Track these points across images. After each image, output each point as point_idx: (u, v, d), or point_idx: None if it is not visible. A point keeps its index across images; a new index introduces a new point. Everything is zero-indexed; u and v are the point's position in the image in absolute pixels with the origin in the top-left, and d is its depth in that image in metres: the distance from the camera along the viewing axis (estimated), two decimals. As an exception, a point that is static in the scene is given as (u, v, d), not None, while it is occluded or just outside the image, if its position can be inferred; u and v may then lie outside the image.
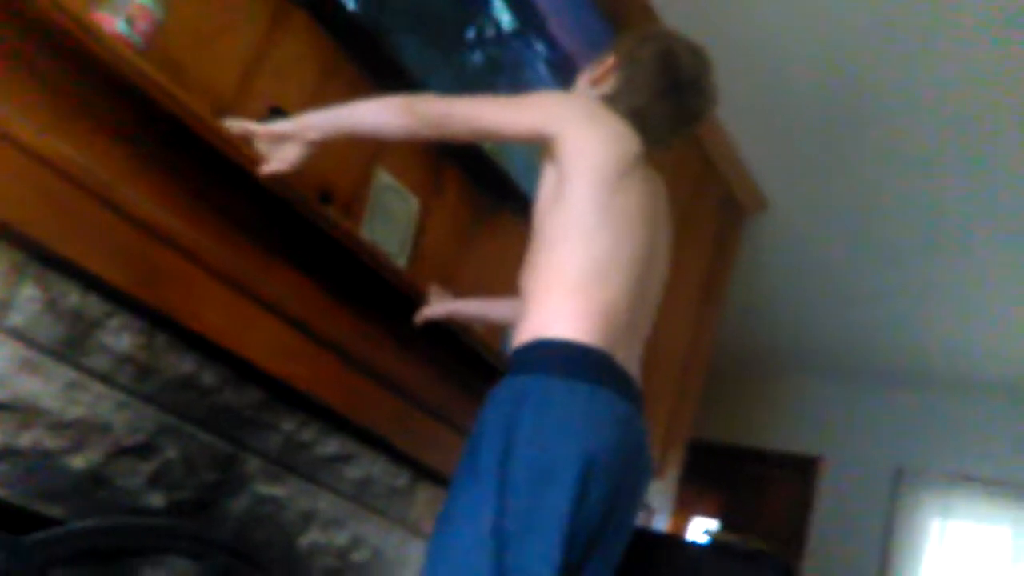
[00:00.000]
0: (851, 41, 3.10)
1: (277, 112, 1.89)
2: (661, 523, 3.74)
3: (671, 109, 1.78)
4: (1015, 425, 4.98)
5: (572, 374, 1.47)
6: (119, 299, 1.69)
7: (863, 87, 3.30)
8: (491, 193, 2.63)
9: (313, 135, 1.71)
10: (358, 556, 2.26)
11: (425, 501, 2.45)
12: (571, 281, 1.55)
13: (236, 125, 1.72)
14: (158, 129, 1.65)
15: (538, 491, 1.39)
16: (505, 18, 2.54)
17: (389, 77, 2.19)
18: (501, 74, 2.54)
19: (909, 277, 4.40)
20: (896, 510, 5.13)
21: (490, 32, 2.49)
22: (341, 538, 2.21)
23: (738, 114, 3.58)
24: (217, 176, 1.77)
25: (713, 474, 5.40)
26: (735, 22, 3.15)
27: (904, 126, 3.43)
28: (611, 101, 1.77)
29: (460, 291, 2.33)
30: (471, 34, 2.43)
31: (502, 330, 2.53)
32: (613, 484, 1.46)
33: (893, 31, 3.00)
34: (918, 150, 3.53)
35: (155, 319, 1.76)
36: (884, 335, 5.00)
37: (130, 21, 1.57)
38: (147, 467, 1.78)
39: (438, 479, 2.46)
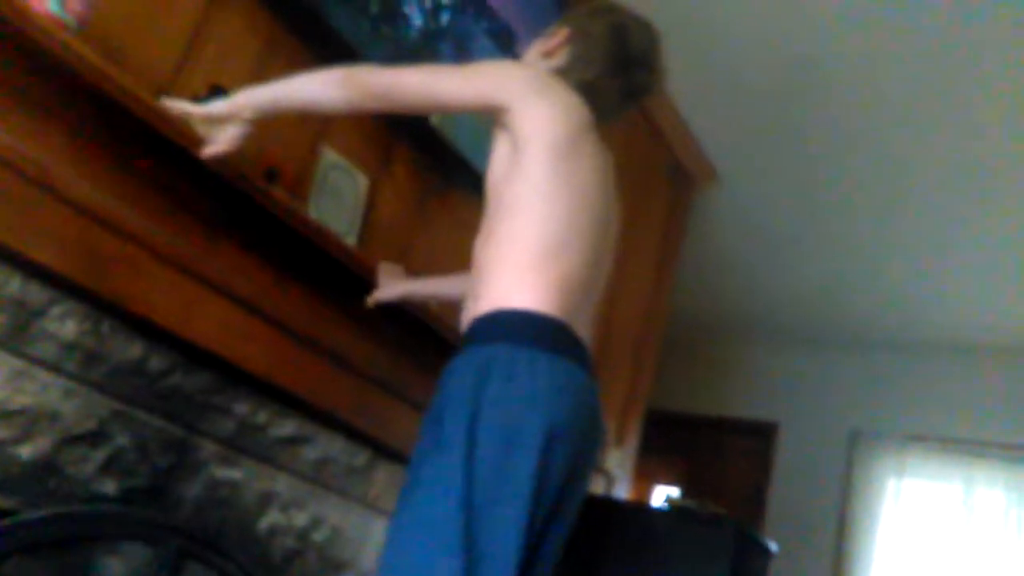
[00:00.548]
0: (798, 12, 3.12)
1: (217, 90, 1.86)
2: (622, 492, 3.78)
3: (621, 84, 1.80)
4: (965, 385, 5.09)
5: (534, 343, 1.48)
6: (62, 285, 1.67)
7: (810, 57, 3.32)
8: (441, 168, 2.62)
9: (250, 113, 1.69)
10: (318, 536, 2.25)
11: (384, 479, 2.45)
12: (530, 251, 1.56)
13: (174, 106, 1.70)
14: (96, 112, 1.63)
15: (504, 459, 1.40)
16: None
17: (330, 51, 2.16)
18: (442, 45, 2.52)
19: (857, 242, 4.47)
20: (852, 471, 5.23)
21: (427, 3, 2.47)
22: (300, 519, 2.20)
23: (686, 86, 3.59)
24: (159, 157, 1.74)
25: (673, 443, 5.46)
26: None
27: (850, 94, 3.47)
28: (562, 73, 1.77)
29: (413, 267, 2.33)
30: (408, 7, 2.41)
31: (456, 307, 2.53)
32: (573, 451, 1.48)
33: (841, 8, 3.03)
34: (864, 117, 3.57)
35: (100, 305, 1.74)
36: (835, 300, 5.07)
37: (63, 1, 1.54)
38: (98, 454, 1.76)
39: (397, 457, 2.46)
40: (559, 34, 1.83)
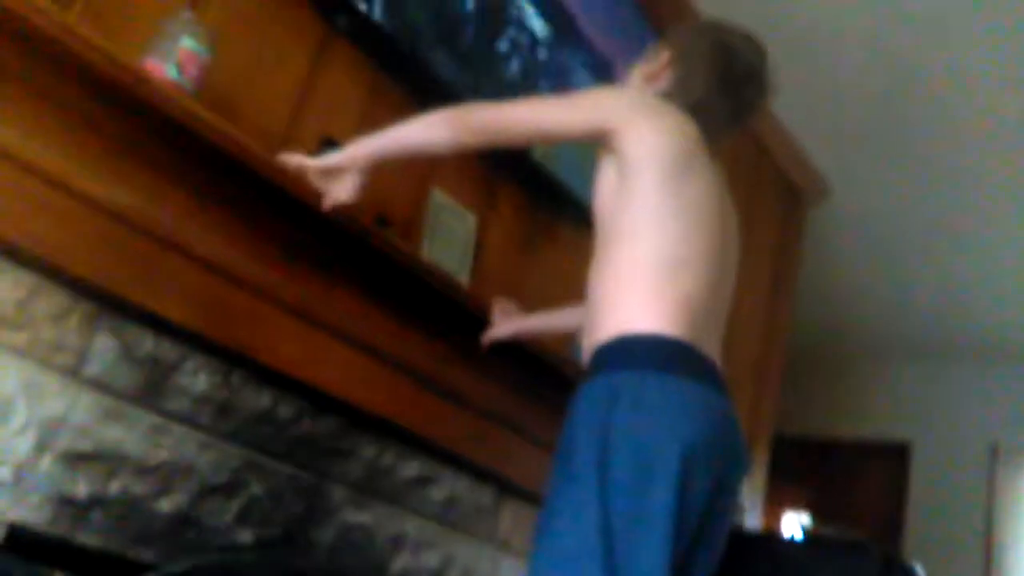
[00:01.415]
0: (899, 23, 3.04)
1: (329, 143, 1.90)
2: (753, 520, 3.67)
3: (730, 103, 1.75)
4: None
5: (662, 368, 1.44)
6: (192, 341, 1.72)
7: (915, 68, 3.23)
8: (546, 203, 2.63)
9: (364, 163, 1.71)
10: (450, 577, 2.25)
11: (511, 517, 2.44)
12: (648, 274, 1.52)
13: (290, 160, 1.74)
14: (216, 170, 1.68)
15: (640, 488, 1.36)
16: (537, 25, 2.53)
17: (432, 96, 2.19)
18: (541, 82, 2.52)
19: (982, 247, 4.27)
20: (995, 488, 4.97)
21: (523, 40, 2.48)
22: (432, 560, 2.20)
23: (792, 102, 3.51)
24: (277, 210, 1.79)
25: (801, 468, 5.29)
26: (778, 10, 3.10)
27: (959, 104, 3.35)
28: (668, 97, 1.73)
29: (523, 302, 2.32)
30: (505, 45, 2.42)
31: (569, 339, 2.52)
32: (713, 475, 1.43)
33: (942, 12, 2.93)
34: (974, 127, 3.44)
35: (229, 357, 1.78)
36: (962, 310, 4.86)
37: (179, 66, 1.60)
38: (234, 504, 1.80)
39: (522, 494, 2.44)
40: (661, 57, 1.79)
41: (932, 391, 5.32)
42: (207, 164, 1.67)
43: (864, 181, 4.00)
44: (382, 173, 1.77)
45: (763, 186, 3.75)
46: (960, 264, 4.46)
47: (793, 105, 3.56)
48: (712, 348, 1.57)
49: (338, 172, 1.73)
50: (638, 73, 1.83)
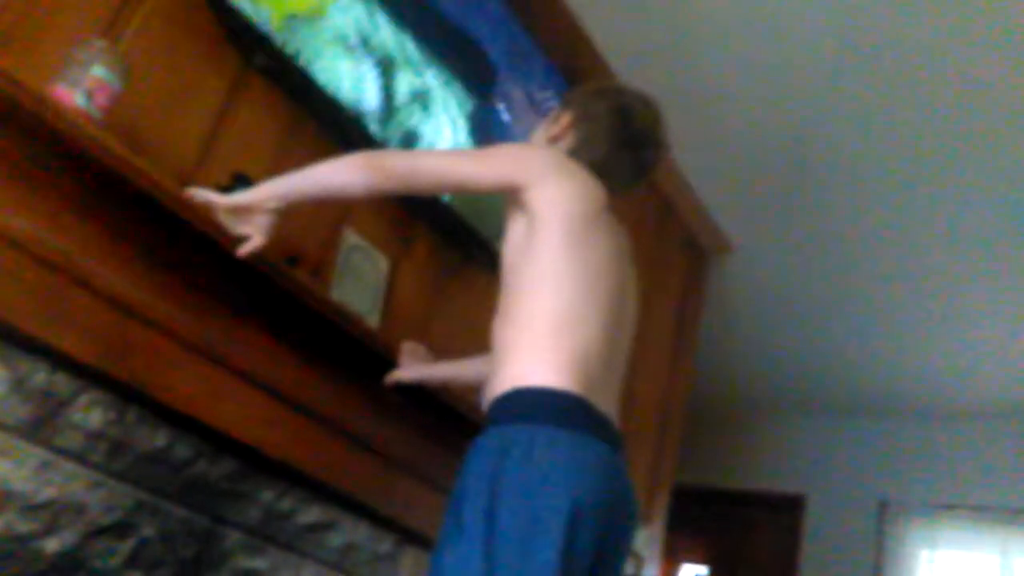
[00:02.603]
0: (799, 85, 3.16)
1: (241, 179, 1.88)
2: (651, 572, 3.70)
3: (629, 162, 1.83)
4: (995, 451, 5.00)
5: (554, 422, 1.46)
6: (88, 375, 1.67)
7: (816, 128, 3.35)
8: (460, 247, 2.64)
9: (275, 204, 1.70)
10: (346, 625, 2.20)
11: (411, 565, 2.41)
12: (545, 329, 1.55)
13: (199, 195, 1.71)
14: (123, 202, 1.64)
15: (526, 543, 1.36)
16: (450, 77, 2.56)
17: (349, 135, 2.20)
18: (456, 133, 2.55)
19: (880, 309, 4.43)
20: (883, 543, 5.11)
21: (438, 91, 2.51)
22: (327, 608, 2.16)
23: (695, 159, 3.63)
24: (184, 246, 1.75)
25: (699, 519, 5.36)
26: (686, 71, 3.20)
27: (859, 168, 3.49)
28: (571, 155, 1.79)
29: (433, 346, 2.32)
30: (418, 94, 2.44)
31: (478, 389, 2.52)
32: (601, 530, 1.44)
33: (837, 72, 3.07)
34: (878, 185, 3.59)
35: (126, 394, 1.73)
36: (859, 369, 5.02)
37: (89, 95, 1.57)
38: (124, 546, 1.74)
39: (423, 542, 2.41)
40: (563, 119, 1.86)
41: (827, 446, 5.47)
42: (112, 195, 1.63)
43: (766, 239, 4.12)
44: (295, 210, 1.76)
45: (668, 241, 3.83)
46: (856, 322, 4.61)
47: (699, 164, 3.68)
48: (608, 403, 1.60)
49: (248, 211, 1.71)
50: (542, 133, 1.90)
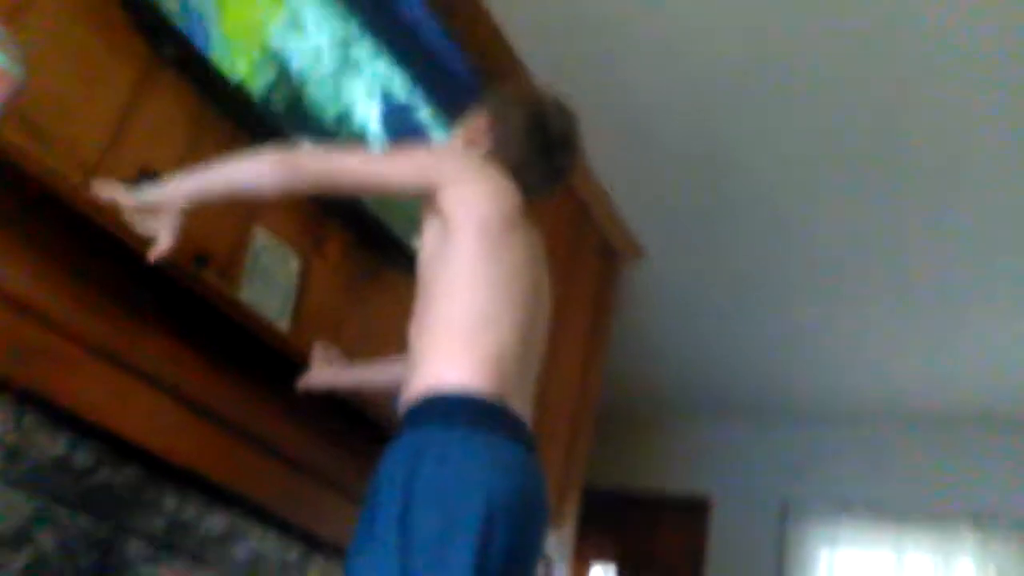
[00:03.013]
0: (713, 96, 3.22)
1: (148, 174, 1.82)
2: (560, 573, 3.71)
3: (544, 167, 1.84)
4: (889, 453, 5.17)
5: (467, 424, 1.45)
6: (-19, 379, 1.58)
7: (728, 137, 3.42)
8: (374, 249, 2.60)
9: (183, 202, 1.64)
10: (252, 636, 2.15)
11: (319, 574, 2.36)
12: (459, 331, 1.55)
13: (104, 191, 1.65)
14: (23, 198, 1.57)
15: (441, 546, 1.35)
16: (376, 72, 2.52)
17: (260, 130, 2.14)
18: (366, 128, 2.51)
19: (783, 318, 4.55)
20: (785, 544, 5.23)
21: (360, 86, 2.47)
22: (233, 618, 2.09)
23: (610, 166, 3.67)
24: (87, 245, 1.68)
25: (607, 520, 5.40)
26: (603, 77, 3.23)
27: (773, 171, 3.56)
28: (488, 159, 1.79)
29: (346, 348, 2.28)
30: (340, 90, 2.40)
31: (388, 393, 2.49)
32: (515, 531, 1.44)
33: (749, 84, 3.14)
34: (787, 195, 3.67)
35: (22, 397, 1.65)
36: (762, 374, 5.14)
37: (-15, 83, 1.49)
38: (20, 558, 1.66)
39: (332, 551, 2.37)
40: (479, 121, 1.86)
41: (731, 448, 5.58)
42: (12, 191, 1.55)
43: (679, 247, 4.18)
44: (203, 208, 1.70)
45: (582, 245, 3.85)
46: (759, 331, 4.72)
47: (614, 171, 3.71)
48: (521, 404, 1.60)
49: (155, 210, 1.64)
50: (459, 136, 1.89)
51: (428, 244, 1.68)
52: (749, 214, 3.85)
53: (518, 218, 1.70)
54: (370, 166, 1.70)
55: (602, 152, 3.52)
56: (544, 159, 1.82)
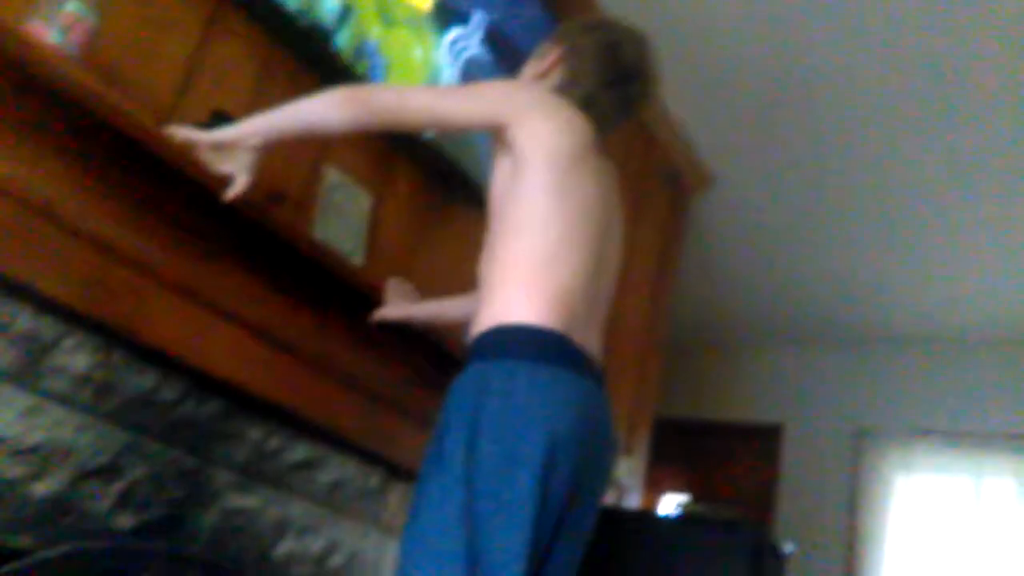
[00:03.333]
0: (790, 16, 3.13)
1: (220, 115, 1.85)
2: (633, 501, 3.76)
3: (617, 98, 1.81)
4: (968, 377, 5.08)
5: (533, 357, 1.47)
6: (72, 318, 1.65)
7: (802, 60, 3.33)
8: (443, 184, 2.61)
9: (256, 140, 1.67)
10: (335, 561, 2.23)
11: (398, 500, 2.43)
12: (528, 266, 1.55)
13: (179, 133, 1.68)
14: (100, 141, 1.61)
15: (505, 476, 1.39)
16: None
17: (328, 71, 2.15)
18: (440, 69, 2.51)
19: (857, 240, 4.46)
20: (859, 470, 5.21)
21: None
22: (316, 544, 2.18)
23: (681, 93, 3.60)
24: (164, 185, 1.73)
25: (679, 450, 5.44)
26: (672, 3, 3.16)
27: (844, 95, 3.47)
28: (559, 92, 1.77)
29: (416, 284, 2.31)
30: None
31: (461, 327, 2.52)
32: (578, 463, 1.46)
33: (828, 9, 3.04)
34: (860, 117, 3.58)
35: (111, 335, 1.72)
36: (836, 299, 5.07)
37: (64, 31, 1.52)
38: (113, 488, 1.74)
39: (409, 477, 2.44)
40: (551, 54, 1.84)
41: (804, 376, 5.54)
42: (90, 134, 1.60)
43: (749, 174, 4.12)
44: (275, 148, 1.73)
45: (650, 175, 3.82)
46: (830, 257, 4.65)
47: (682, 96, 3.64)
48: (590, 339, 1.62)
49: (230, 148, 1.68)
50: (529, 71, 1.88)
51: (499, 180, 1.68)
52: (821, 141, 3.77)
53: (589, 152, 1.69)
54: (441, 101, 1.70)
55: (671, 78, 3.45)
56: (617, 89, 1.79)
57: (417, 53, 2.42)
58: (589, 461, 1.50)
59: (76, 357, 1.66)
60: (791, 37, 3.22)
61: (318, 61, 2.17)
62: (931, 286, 4.71)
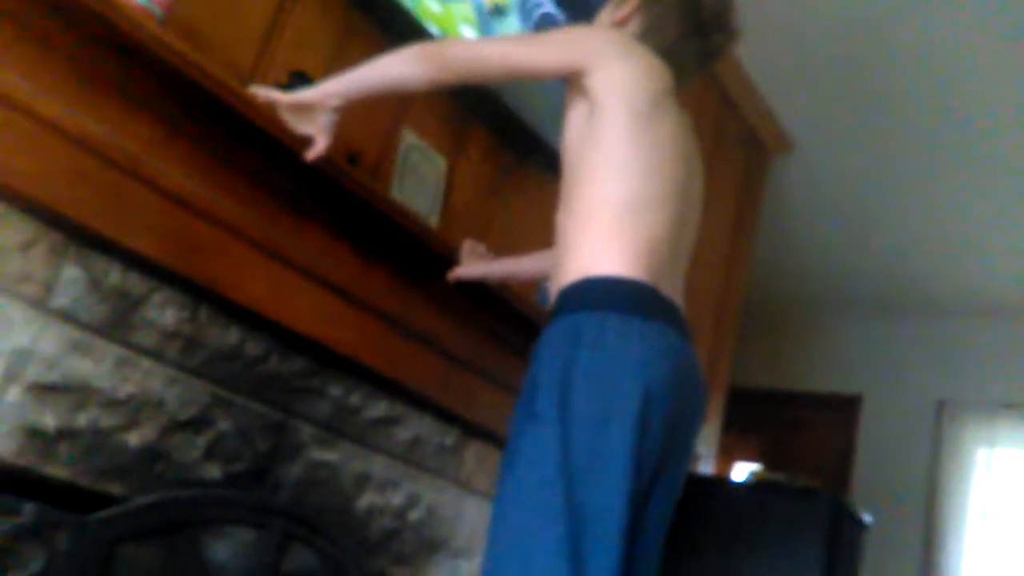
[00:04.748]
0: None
1: (299, 76, 1.87)
2: (707, 469, 3.74)
3: (697, 47, 1.77)
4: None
5: (623, 309, 1.46)
6: (160, 274, 1.70)
7: (880, 24, 3.25)
8: (515, 147, 2.62)
9: (337, 101, 1.69)
10: (414, 515, 2.27)
11: (474, 457, 2.47)
12: (611, 216, 1.53)
13: (260, 93, 1.71)
14: (185, 100, 1.65)
15: (600, 428, 1.38)
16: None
17: (406, 33, 2.17)
18: (510, 15, 2.49)
19: (936, 208, 4.36)
20: (940, 442, 5.11)
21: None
22: (396, 498, 2.22)
23: (759, 55, 3.54)
24: (246, 144, 1.76)
25: (754, 419, 5.38)
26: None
27: (922, 61, 3.39)
28: (638, 39, 1.74)
29: (490, 246, 2.32)
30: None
31: (537, 284, 2.53)
32: (672, 414, 1.45)
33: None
34: (939, 96, 3.49)
35: (197, 292, 1.77)
36: (915, 268, 4.95)
37: (149, -8, 1.56)
38: (201, 440, 1.80)
39: (485, 435, 2.47)
40: (630, 2, 1.80)
41: (883, 346, 5.44)
42: (175, 94, 1.63)
43: (828, 139, 4.04)
44: (353, 110, 1.75)
45: (727, 137, 3.77)
46: (913, 224, 4.54)
47: (763, 60, 3.58)
48: (674, 290, 1.59)
49: (310, 109, 1.70)
50: (606, 18, 1.83)
51: (573, 127, 1.65)
52: (903, 108, 3.68)
53: (670, 100, 1.65)
54: (516, 51, 1.69)
55: (750, 40, 3.38)
56: (698, 38, 1.76)
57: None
58: (682, 413, 1.50)
59: (164, 312, 1.72)
60: (881, 11, 3.14)
61: (396, 25, 2.18)
62: (1015, 260, 4.57)
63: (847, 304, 5.53)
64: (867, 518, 3.27)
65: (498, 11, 2.44)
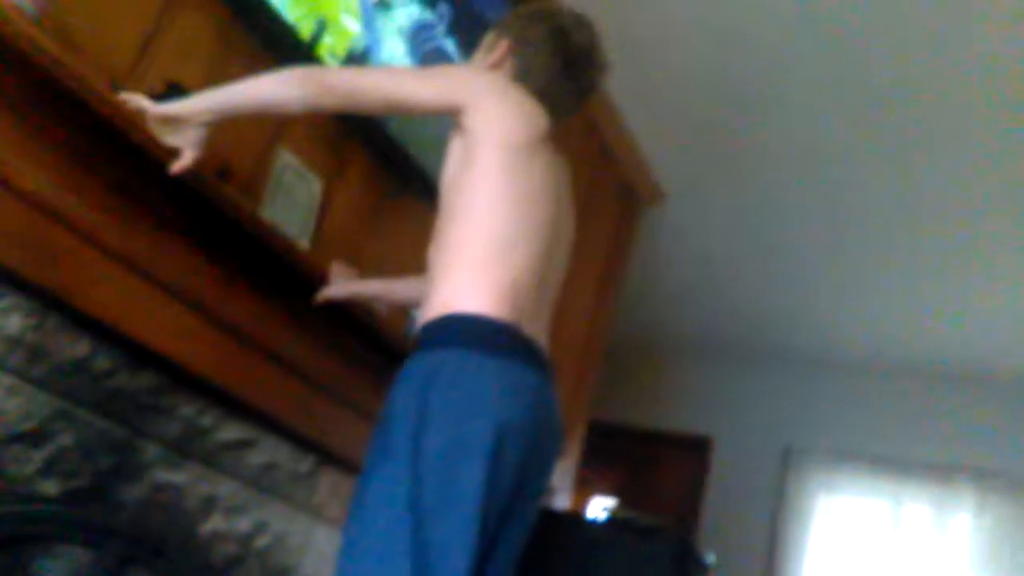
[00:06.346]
0: (749, 36, 3.18)
1: (175, 87, 1.83)
2: (562, 502, 3.79)
3: (569, 86, 1.82)
4: (893, 404, 5.22)
5: (482, 347, 1.48)
6: (7, 279, 1.62)
7: (761, 86, 3.39)
8: (396, 175, 2.61)
9: (208, 116, 1.66)
10: (261, 542, 2.22)
11: (329, 486, 2.43)
12: (477, 255, 1.56)
13: (131, 101, 1.67)
14: (54, 104, 1.59)
15: (453, 465, 1.39)
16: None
17: (287, 50, 2.15)
18: (395, 8, 2.49)
19: (794, 264, 4.56)
20: (784, 487, 5.31)
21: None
22: (243, 524, 2.17)
23: (637, 106, 3.65)
24: (112, 152, 1.71)
25: (611, 454, 5.49)
26: (635, 14, 3.19)
27: (793, 124, 3.55)
28: (513, 82, 1.78)
29: (363, 273, 2.31)
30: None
31: (407, 312, 2.53)
32: (526, 453, 1.47)
33: (790, 36, 3.10)
34: (805, 147, 3.66)
35: (46, 300, 1.69)
36: (772, 320, 5.17)
37: (21, -10, 1.50)
38: (39, 454, 1.72)
39: (341, 463, 2.43)
40: (500, 46, 1.84)
41: (737, 391, 5.63)
42: (44, 96, 1.58)
43: (698, 193, 4.19)
44: (231, 124, 1.72)
45: (602, 185, 3.85)
46: (771, 279, 4.74)
47: (639, 112, 3.69)
48: (537, 330, 1.62)
49: (180, 122, 1.67)
50: (479, 63, 1.87)
51: (451, 165, 1.68)
52: (774, 165, 3.84)
53: (543, 142, 1.69)
54: (397, 84, 1.70)
55: (627, 90, 3.50)
56: (570, 78, 1.81)
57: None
58: (536, 452, 1.51)
59: (9, 319, 1.64)
60: (754, 60, 3.27)
61: (276, 41, 2.16)
62: (863, 313, 4.83)
63: (705, 349, 5.71)
64: (711, 558, 3.36)
65: (383, 5, 2.42)
